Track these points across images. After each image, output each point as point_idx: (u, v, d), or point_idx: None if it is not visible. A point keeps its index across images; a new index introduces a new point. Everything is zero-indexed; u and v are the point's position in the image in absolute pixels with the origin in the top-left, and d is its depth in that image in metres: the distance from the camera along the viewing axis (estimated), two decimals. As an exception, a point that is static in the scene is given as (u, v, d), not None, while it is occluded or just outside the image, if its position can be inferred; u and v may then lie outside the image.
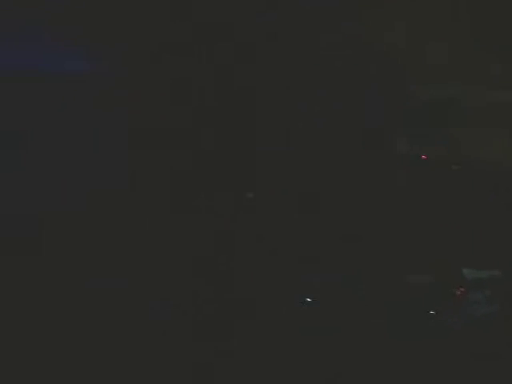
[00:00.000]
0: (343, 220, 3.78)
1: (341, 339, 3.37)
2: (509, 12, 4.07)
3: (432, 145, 4.04)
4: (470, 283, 3.62)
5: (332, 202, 3.80)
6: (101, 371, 3.18)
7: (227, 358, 3.27)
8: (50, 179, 3.61)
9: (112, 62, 3.82)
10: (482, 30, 4.17)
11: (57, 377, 3.14)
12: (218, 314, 3.44)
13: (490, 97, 4.15)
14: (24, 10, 3.72)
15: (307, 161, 3.91)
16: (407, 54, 4.16)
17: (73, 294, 3.38)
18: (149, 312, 3.39)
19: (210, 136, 3.84)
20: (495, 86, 4.14)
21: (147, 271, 3.51)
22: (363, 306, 3.51)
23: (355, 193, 3.86)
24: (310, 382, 3.28)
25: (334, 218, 3.77)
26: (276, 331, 3.40)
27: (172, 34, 3.86)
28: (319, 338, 3.39)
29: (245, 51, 3.91)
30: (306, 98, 3.98)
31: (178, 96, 3.84)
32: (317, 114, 3.99)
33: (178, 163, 3.77)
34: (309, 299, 3.48)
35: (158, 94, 3.82)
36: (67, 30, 3.82)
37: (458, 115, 4.12)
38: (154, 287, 3.47)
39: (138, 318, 3.36)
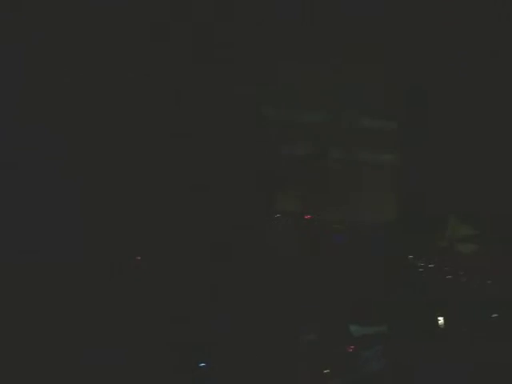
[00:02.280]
0: (232, 278, 3.65)
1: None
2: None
3: (316, 205, 4.10)
4: (357, 340, 3.57)
5: (218, 261, 3.69)
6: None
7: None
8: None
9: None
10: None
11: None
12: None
13: (367, 158, 4.34)
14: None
15: (190, 226, 3.81)
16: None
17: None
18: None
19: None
20: (370, 148, 4.34)
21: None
22: (252, 365, 3.32)
23: (235, 251, 3.77)
24: None
25: (219, 275, 3.64)
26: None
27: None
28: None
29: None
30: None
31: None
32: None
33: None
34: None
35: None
36: None
37: (338, 175, 4.24)
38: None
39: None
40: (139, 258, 3.62)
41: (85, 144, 3.77)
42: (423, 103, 4.22)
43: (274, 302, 3.63)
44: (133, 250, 3.65)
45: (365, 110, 4.37)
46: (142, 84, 3.95)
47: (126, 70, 3.92)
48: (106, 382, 3.14)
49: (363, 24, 4.25)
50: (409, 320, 3.64)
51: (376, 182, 4.24)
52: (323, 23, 4.26)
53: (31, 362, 3.11)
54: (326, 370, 3.40)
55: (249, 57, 4.24)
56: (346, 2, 4.27)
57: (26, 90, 3.70)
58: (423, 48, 4.23)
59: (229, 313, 3.52)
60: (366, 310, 3.70)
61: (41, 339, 3.20)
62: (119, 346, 3.24)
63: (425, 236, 4.01)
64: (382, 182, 4.25)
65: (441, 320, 3.62)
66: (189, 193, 3.90)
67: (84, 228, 3.60)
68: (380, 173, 4.28)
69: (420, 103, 4.22)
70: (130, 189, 3.79)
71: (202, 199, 3.90)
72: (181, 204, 3.86)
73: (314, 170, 4.26)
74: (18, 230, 3.49)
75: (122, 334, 3.30)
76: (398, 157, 4.29)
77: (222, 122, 4.10)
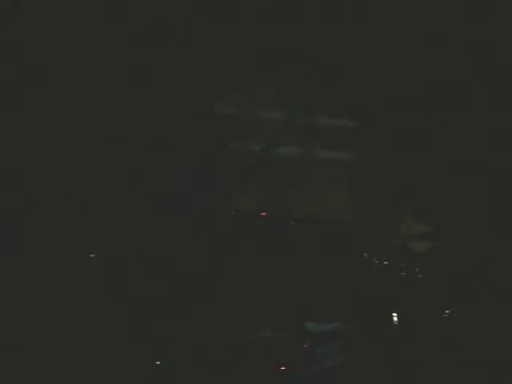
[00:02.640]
0: (181, 276, 3.55)
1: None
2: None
3: (271, 202, 4.07)
4: (314, 337, 3.53)
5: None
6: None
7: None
8: None
9: None
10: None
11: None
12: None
13: (323, 157, 4.35)
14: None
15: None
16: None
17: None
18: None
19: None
20: (327, 147, 4.35)
21: None
22: (209, 364, 3.22)
23: (190, 251, 3.69)
24: None
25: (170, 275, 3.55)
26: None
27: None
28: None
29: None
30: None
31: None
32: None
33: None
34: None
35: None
36: None
37: (294, 173, 4.23)
38: None
39: None
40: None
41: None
42: (380, 101, 4.27)
43: (228, 299, 3.57)
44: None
45: (319, 107, 4.39)
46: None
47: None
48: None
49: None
50: (364, 317, 3.64)
51: (331, 179, 4.25)
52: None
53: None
54: (281, 366, 3.35)
55: (198, 50, 4.21)
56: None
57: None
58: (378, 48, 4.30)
59: (182, 310, 3.43)
60: (322, 306, 3.68)
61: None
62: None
63: (379, 234, 4.03)
64: (337, 180, 4.26)
65: (395, 317, 3.63)
66: (139, 191, 3.81)
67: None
68: (335, 170, 4.29)
69: (376, 100, 4.27)
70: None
71: (152, 196, 3.81)
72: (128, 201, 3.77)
73: (268, 167, 4.23)
74: None
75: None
76: (353, 154, 4.32)
77: (176, 120, 4.04)
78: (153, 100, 4.02)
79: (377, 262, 3.83)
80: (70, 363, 3.10)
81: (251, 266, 3.73)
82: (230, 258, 3.73)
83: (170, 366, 3.17)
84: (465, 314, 3.54)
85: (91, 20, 3.92)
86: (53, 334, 3.20)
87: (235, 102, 4.33)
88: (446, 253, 3.80)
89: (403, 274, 3.75)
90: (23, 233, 3.47)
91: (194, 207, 3.81)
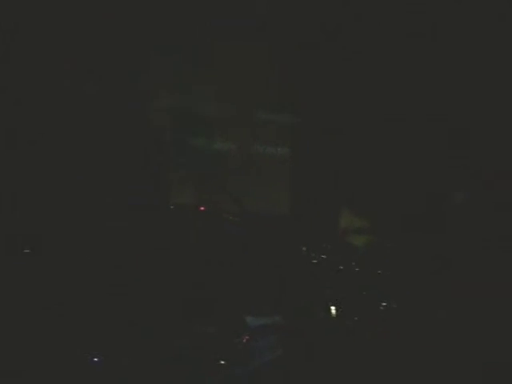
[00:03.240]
0: (128, 274, 3.46)
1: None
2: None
3: (211, 197, 4.03)
4: (253, 331, 3.51)
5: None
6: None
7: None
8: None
9: None
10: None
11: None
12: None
13: (266, 152, 4.36)
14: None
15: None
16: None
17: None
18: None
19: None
20: (265, 142, 4.37)
21: None
22: (148, 359, 3.14)
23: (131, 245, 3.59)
24: None
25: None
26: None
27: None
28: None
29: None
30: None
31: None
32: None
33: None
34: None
35: None
36: None
37: (233, 170, 4.22)
38: None
39: None
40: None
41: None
42: (318, 98, 4.32)
43: (167, 294, 3.50)
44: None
45: (260, 103, 4.41)
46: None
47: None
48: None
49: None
50: (302, 311, 3.65)
51: (269, 174, 4.27)
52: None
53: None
54: (220, 360, 3.31)
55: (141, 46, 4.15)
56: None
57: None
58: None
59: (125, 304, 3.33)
60: (260, 300, 3.67)
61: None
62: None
63: (318, 228, 4.07)
64: (275, 175, 4.28)
65: (333, 310, 3.66)
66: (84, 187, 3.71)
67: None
68: (274, 166, 4.32)
69: (315, 98, 4.32)
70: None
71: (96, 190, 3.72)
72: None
73: (209, 162, 4.21)
74: None
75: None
76: (293, 150, 4.35)
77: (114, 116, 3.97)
78: (89, 96, 3.93)
79: (314, 255, 3.86)
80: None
81: (190, 261, 3.68)
82: (170, 252, 3.67)
83: (110, 364, 3.08)
84: (401, 305, 3.62)
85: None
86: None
87: (173, 98, 4.29)
88: (382, 246, 3.88)
89: (341, 267, 3.80)
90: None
91: (133, 201, 3.73)
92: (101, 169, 3.85)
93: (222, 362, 3.29)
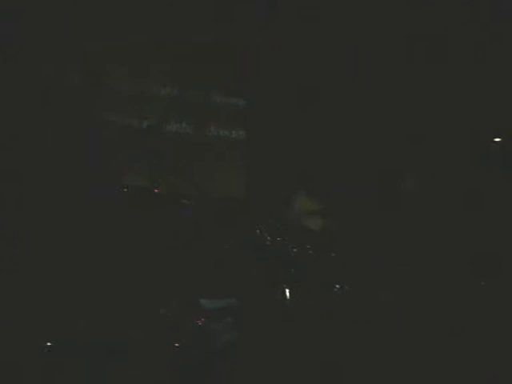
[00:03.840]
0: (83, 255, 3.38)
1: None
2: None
3: (164, 179, 3.97)
4: (208, 313, 3.50)
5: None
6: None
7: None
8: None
9: None
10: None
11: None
12: None
13: (216, 136, 4.33)
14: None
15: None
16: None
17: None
18: None
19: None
20: (220, 126, 4.34)
21: None
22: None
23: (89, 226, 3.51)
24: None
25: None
26: None
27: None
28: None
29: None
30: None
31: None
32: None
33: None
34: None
35: None
36: None
37: (187, 152, 4.18)
38: None
39: None
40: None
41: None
42: (271, 81, 4.33)
43: (121, 277, 3.44)
44: None
45: (212, 86, 4.38)
46: None
47: None
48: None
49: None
50: (258, 293, 3.65)
51: (224, 157, 4.25)
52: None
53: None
54: (176, 343, 3.28)
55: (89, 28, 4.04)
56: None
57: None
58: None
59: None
60: (216, 283, 3.66)
61: None
62: None
63: (273, 211, 4.07)
64: (230, 158, 4.26)
65: (287, 293, 3.67)
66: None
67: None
68: (229, 149, 4.30)
69: (268, 81, 4.33)
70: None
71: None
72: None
73: (162, 144, 4.15)
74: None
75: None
76: (247, 133, 4.34)
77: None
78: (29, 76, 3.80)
79: (269, 238, 3.86)
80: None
81: (144, 243, 3.63)
82: (124, 234, 3.61)
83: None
84: (355, 289, 3.67)
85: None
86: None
87: (126, 81, 4.21)
88: (336, 229, 3.91)
89: (295, 250, 3.81)
90: None
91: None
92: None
93: (178, 345, 3.27)
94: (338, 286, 3.72)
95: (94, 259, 3.36)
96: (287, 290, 3.67)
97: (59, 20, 3.89)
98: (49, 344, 3.00)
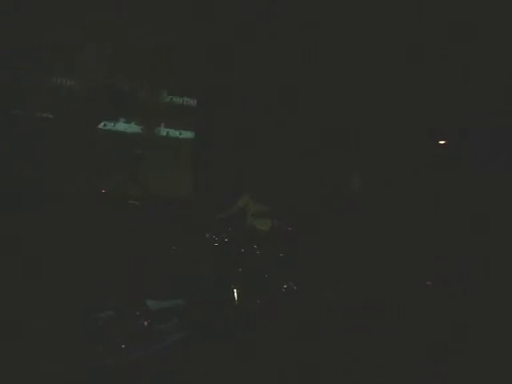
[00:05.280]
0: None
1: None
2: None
3: (113, 180, 3.93)
4: (155, 314, 3.48)
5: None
6: None
7: None
8: None
9: None
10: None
11: None
12: None
13: (167, 140, 4.32)
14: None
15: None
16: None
17: None
18: None
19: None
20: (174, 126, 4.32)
21: None
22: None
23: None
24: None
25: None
26: None
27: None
28: None
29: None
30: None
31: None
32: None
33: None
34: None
35: None
36: None
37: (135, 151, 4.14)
38: None
39: None
40: None
41: None
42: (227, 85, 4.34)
43: (69, 279, 3.37)
44: None
45: (162, 86, 4.37)
46: None
47: None
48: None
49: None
50: (205, 293, 3.66)
51: (173, 158, 4.23)
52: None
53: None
54: (122, 344, 3.24)
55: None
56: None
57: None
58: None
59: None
60: (162, 284, 3.64)
61: None
62: None
63: (219, 213, 4.09)
64: (178, 159, 4.25)
65: (235, 292, 3.69)
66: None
67: None
68: (178, 150, 4.29)
69: (223, 85, 4.34)
70: None
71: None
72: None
73: (110, 144, 4.10)
74: None
75: None
76: (196, 134, 4.34)
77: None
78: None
79: (217, 239, 3.88)
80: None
81: (91, 246, 3.58)
82: (71, 238, 3.54)
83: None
84: (301, 288, 3.72)
85: None
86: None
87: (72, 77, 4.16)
88: (281, 229, 3.95)
89: (242, 250, 3.84)
90: None
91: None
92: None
93: (123, 346, 3.23)
94: (285, 285, 3.77)
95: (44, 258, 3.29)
96: (235, 290, 3.70)
97: None
98: None
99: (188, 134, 4.36)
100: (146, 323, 3.41)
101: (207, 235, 3.87)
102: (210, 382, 3.28)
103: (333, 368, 3.34)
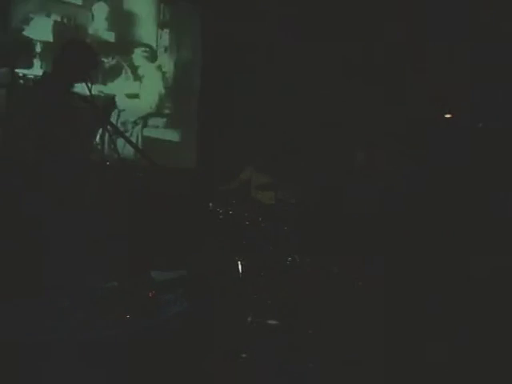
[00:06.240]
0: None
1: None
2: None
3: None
4: (159, 285, 3.48)
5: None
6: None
7: None
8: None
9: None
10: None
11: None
12: None
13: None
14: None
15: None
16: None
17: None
18: None
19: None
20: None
21: None
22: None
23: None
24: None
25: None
26: None
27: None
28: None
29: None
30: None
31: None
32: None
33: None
34: None
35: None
36: None
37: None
38: None
39: None
40: None
41: None
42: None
43: (72, 251, 3.37)
44: None
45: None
46: None
47: None
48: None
49: None
50: (210, 263, 3.66)
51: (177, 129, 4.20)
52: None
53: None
54: (127, 315, 3.25)
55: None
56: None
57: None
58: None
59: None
60: (167, 255, 3.65)
61: None
62: None
63: (224, 185, 4.09)
64: (183, 130, 4.22)
65: (239, 264, 3.69)
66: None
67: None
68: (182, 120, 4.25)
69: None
70: None
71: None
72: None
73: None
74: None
75: None
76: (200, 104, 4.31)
77: None
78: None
79: (221, 211, 3.87)
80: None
81: (94, 217, 3.57)
82: (70, 208, 3.53)
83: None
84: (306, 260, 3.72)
85: None
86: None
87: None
88: (284, 201, 3.95)
89: (247, 222, 3.84)
90: None
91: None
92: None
93: (129, 316, 3.24)
94: (289, 258, 3.77)
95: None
96: (239, 262, 3.70)
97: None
98: None
99: (192, 103, 4.32)
100: (150, 294, 3.42)
101: (211, 207, 3.86)
102: (213, 353, 3.31)
103: (333, 339, 3.37)
